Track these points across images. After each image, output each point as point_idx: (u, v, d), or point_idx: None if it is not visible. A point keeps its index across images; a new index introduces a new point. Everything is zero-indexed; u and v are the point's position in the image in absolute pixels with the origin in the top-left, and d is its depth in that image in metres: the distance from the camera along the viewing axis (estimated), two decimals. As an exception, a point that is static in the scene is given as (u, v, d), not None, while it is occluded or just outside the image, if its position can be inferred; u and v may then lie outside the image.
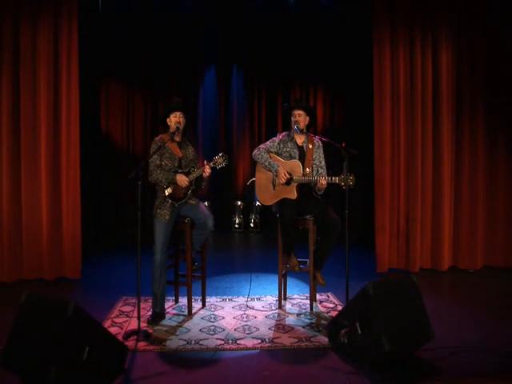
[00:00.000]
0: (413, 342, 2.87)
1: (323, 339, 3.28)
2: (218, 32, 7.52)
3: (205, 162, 3.79)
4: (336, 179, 3.67)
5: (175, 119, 3.79)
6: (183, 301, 4.10)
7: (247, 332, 3.42)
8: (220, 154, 3.78)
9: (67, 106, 4.73)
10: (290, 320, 3.71)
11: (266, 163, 3.94)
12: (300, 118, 3.96)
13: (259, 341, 3.25)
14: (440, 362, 2.88)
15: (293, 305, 4.10)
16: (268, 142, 4.10)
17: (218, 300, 4.22)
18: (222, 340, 3.27)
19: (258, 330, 3.47)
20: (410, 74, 5.10)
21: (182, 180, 3.73)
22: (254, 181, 4.08)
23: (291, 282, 4.64)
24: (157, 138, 3.86)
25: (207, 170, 3.75)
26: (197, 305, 4.03)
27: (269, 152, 4.01)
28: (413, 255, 5.10)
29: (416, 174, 5.10)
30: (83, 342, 2.48)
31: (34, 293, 2.64)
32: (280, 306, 4.00)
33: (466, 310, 3.92)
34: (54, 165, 4.74)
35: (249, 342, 3.23)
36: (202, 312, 3.89)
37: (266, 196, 3.99)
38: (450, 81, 5.15)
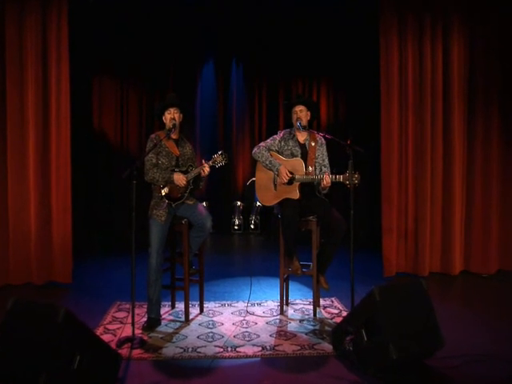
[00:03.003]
0: (422, 351, 2.86)
1: (327, 347, 3.27)
2: (216, 24, 7.49)
3: (203, 160, 3.78)
4: (340, 177, 3.67)
5: (169, 116, 3.80)
6: (180, 306, 4.09)
7: (247, 339, 3.42)
8: (219, 153, 3.78)
9: (57, 101, 4.72)
10: (292, 326, 3.70)
11: (267, 162, 3.93)
12: (301, 113, 3.97)
13: (260, 348, 3.25)
14: (451, 372, 2.86)
15: (295, 310, 4.09)
16: (268, 140, 4.10)
17: (217, 305, 4.21)
18: (221, 347, 3.26)
19: (259, 336, 3.47)
20: (418, 66, 5.08)
21: (180, 179, 3.72)
22: (254, 181, 4.08)
23: (293, 287, 4.63)
24: (153, 136, 3.85)
25: (206, 169, 3.74)
26: (194, 310, 4.03)
27: (269, 150, 4.00)
28: (422, 258, 5.09)
29: (425, 172, 5.08)
30: (74, 349, 2.47)
31: (22, 298, 2.63)
32: (282, 312, 4.00)
33: (479, 316, 3.90)
34: (43, 164, 4.73)
35: (249, 350, 3.22)
36: (199, 318, 3.88)
37: (266, 196, 3.98)
38: (462, 74, 5.14)
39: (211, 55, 8.04)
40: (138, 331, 3.50)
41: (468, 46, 5.17)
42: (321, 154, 4.03)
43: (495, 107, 5.22)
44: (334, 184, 3.77)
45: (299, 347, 3.27)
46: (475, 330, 3.58)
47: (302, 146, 4.01)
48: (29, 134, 4.69)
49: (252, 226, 8.15)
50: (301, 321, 3.83)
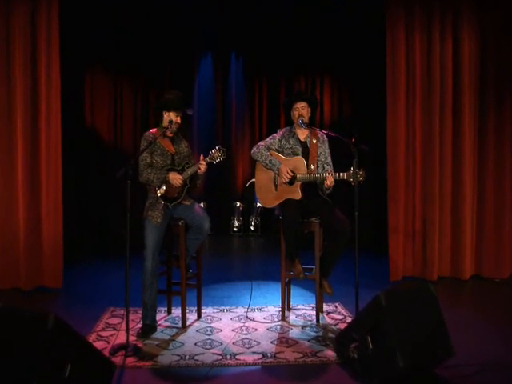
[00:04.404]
0: (430, 359, 2.86)
1: (330, 354, 3.26)
2: (215, 15, 7.46)
3: (201, 156, 3.77)
4: (344, 175, 3.67)
5: (175, 119, 3.77)
6: (176, 312, 4.09)
7: (247, 346, 3.41)
8: (217, 147, 3.77)
9: (47, 96, 4.70)
10: (294, 333, 3.70)
11: (267, 161, 3.93)
12: (303, 110, 3.98)
13: (260, 356, 3.24)
14: (462, 382, 2.85)
15: (297, 316, 4.09)
16: (268, 139, 4.11)
17: (215, 311, 4.21)
18: (220, 355, 3.25)
19: (259, 343, 3.46)
20: (426, 60, 5.08)
21: (176, 179, 3.71)
22: (254, 181, 4.08)
23: (295, 291, 4.63)
24: (147, 134, 3.85)
25: (203, 166, 3.73)
26: (191, 316, 4.02)
27: (269, 149, 4.01)
28: (430, 261, 5.08)
29: (433, 171, 5.08)
30: (65, 358, 2.46)
31: (8, 304, 2.62)
32: (283, 318, 3.99)
33: (491, 323, 3.89)
34: (32, 162, 4.71)
35: (249, 358, 3.22)
36: (197, 324, 3.88)
37: (267, 197, 3.98)
38: (473, 68, 5.13)
39: (209, 48, 8.01)
40: (132, 338, 3.48)
41: (479, 38, 5.14)
42: (323, 151, 4.03)
43: (508, 102, 5.19)
44: (337, 182, 3.76)
45: (301, 355, 3.27)
46: (487, 338, 3.57)
47: (303, 144, 4.01)
48: (17, 131, 4.66)
49: (252, 228, 8.14)
50: (303, 327, 3.83)
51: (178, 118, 3.80)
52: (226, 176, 8.13)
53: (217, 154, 3.75)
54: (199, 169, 3.74)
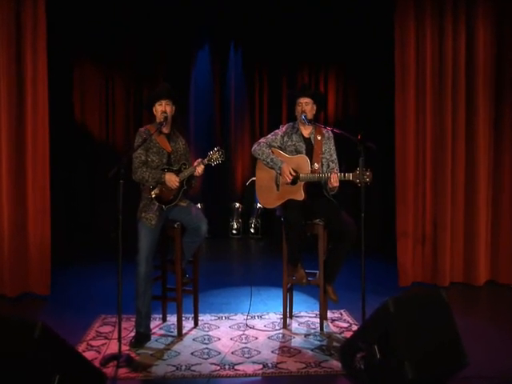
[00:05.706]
0: (442, 370, 2.85)
1: (335, 364, 3.26)
2: (212, 3, 7.45)
3: (199, 159, 3.77)
4: (350, 176, 3.67)
5: (160, 108, 3.78)
6: (172, 319, 4.08)
7: (246, 356, 3.42)
8: (215, 149, 3.78)
9: (33, 90, 4.69)
10: (297, 342, 3.70)
11: (268, 160, 3.93)
12: (307, 106, 3.97)
13: (260, 366, 3.25)
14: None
15: (300, 324, 4.09)
16: (270, 136, 4.11)
17: (213, 318, 4.21)
18: (218, 365, 3.26)
19: (260, 353, 3.47)
20: (438, 54, 5.05)
21: (172, 180, 3.71)
22: (254, 181, 4.08)
23: (298, 298, 4.63)
24: (142, 129, 3.85)
25: (199, 169, 3.73)
26: (188, 324, 4.03)
27: (271, 147, 4.00)
28: (441, 266, 5.08)
29: (445, 170, 5.06)
30: (53, 369, 2.46)
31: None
32: (285, 326, 4.00)
33: (507, 332, 3.89)
34: (17, 160, 4.69)
35: (248, 368, 3.22)
36: (193, 332, 3.88)
37: (268, 198, 3.98)
38: (488, 62, 5.10)
39: (206, 38, 7.99)
40: (124, 348, 3.49)
41: (495, 30, 5.11)
42: (328, 148, 4.03)
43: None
44: (342, 183, 3.76)
45: (304, 365, 3.27)
46: (501, 348, 3.56)
47: (307, 141, 4.01)
48: (1, 128, 4.63)
49: (252, 230, 8.14)
50: (306, 335, 3.83)
51: (169, 107, 3.80)
52: (224, 176, 8.12)
53: (215, 156, 3.75)
54: (196, 171, 3.74)
